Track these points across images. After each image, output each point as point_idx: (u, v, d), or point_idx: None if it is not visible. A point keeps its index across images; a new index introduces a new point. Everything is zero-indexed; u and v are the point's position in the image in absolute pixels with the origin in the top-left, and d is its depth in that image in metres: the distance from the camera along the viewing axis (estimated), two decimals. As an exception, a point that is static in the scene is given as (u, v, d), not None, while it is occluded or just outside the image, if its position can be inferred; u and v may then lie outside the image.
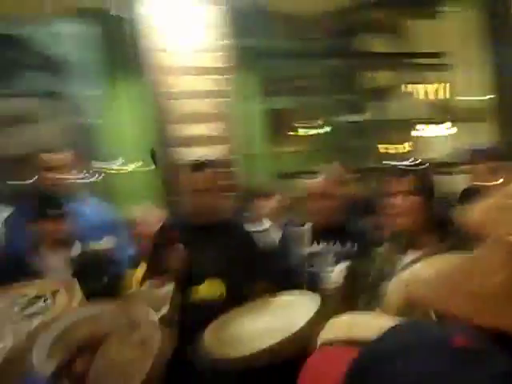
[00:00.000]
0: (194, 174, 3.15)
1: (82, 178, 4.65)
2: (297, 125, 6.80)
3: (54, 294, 2.42)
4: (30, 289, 2.51)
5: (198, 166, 3.17)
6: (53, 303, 2.36)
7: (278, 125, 6.70)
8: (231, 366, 2.63)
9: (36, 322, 2.29)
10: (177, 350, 2.57)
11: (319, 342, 2.45)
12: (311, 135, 6.80)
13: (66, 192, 3.39)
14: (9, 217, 3.62)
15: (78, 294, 2.44)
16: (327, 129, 6.93)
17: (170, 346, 1.92)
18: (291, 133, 6.78)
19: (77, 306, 2.36)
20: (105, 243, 3.32)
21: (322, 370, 2.23)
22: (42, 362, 1.82)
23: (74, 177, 3.84)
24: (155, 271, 3.17)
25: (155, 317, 1.96)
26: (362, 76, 7.00)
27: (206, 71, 4.88)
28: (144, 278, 3.21)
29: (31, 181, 3.78)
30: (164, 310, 2.55)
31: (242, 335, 2.72)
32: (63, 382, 1.77)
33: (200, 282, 3.02)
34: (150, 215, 3.85)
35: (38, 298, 2.43)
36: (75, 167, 3.88)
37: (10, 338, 2.19)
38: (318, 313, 2.69)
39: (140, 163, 5.65)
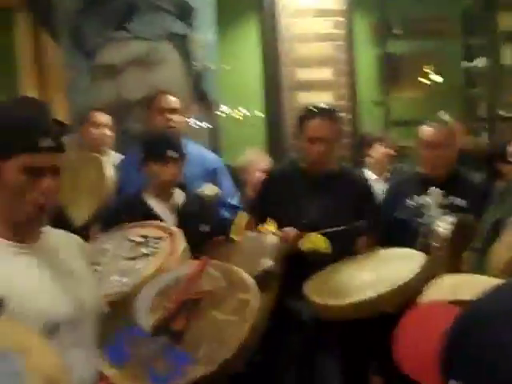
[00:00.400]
0: (308, 121, 3.08)
1: (194, 123, 4.72)
2: (416, 70, 6.54)
3: (160, 239, 2.47)
4: (138, 232, 2.58)
5: (312, 113, 3.09)
6: (157, 249, 2.42)
7: (396, 70, 6.48)
8: (333, 315, 2.64)
9: (140, 264, 2.37)
10: (279, 300, 2.60)
11: (423, 300, 2.41)
12: (430, 82, 6.53)
13: (178, 136, 3.42)
14: (123, 159, 3.72)
15: (182, 242, 2.48)
16: (450, 75, 6.62)
17: (269, 307, 1.91)
18: (409, 79, 6.54)
19: (179, 254, 2.40)
20: (211, 190, 3.33)
21: (423, 326, 2.20)
22: (144, 315, 1.87)
23: (186, 121, 3.88)
24: (259, 221, 3.18)
25: (254, 282, 1.95)
26: (497, 17, 6.57)
27: (323, 13, 4.78)
28: (248, 228, 3.22)
29: (147, 123, 3.84)
30: (268, 263, 2.55)
31: (345, 286, 2.71)
32: (161, 337, 1.80)
33: (305, 232, 2.99)
34: (257, 163, 3.86)
35: (144, 241, 2.50)
36: (189, 111, 3.92)
37: (114, 278, 2.28)
38: (423, 268, 2.63)
39: (252, 109, 5.66)
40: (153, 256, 2.39)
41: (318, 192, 3.07)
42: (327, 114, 3.09)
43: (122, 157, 3.79)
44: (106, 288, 2.13)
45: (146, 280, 2.13)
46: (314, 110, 3.09)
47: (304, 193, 3.08)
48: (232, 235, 3.17)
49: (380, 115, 6.18)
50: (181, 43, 5.03)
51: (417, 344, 2.16)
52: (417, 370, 2.10)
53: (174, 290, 1.94)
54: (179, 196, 3.04)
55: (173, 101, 3.74)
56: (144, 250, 2.43)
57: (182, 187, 3.08)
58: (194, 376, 1.66)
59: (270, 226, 2.95)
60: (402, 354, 2.16)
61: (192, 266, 2.10)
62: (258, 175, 3.75)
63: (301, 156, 3.18)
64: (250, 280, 1.93)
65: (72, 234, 2.00)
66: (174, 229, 2.61)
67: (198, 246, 2.62)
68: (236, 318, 1.77)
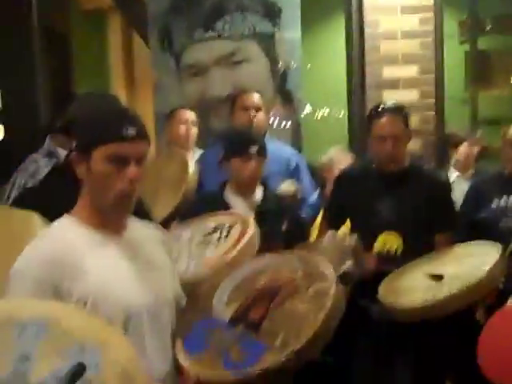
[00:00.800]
0: (376, 120, 3.04)
1: (275, 121, 4.76)
2: (506, 68, 6.35)
3: (231, 226, 2.52)
4: (212, 220, 2.65)
5: (379, 112, 3.05)
6: (228, 235, 2.48)
7: (482, 67, 6.30)
8: (407, 315, 2.61)
9: (210, 249, 2.45)
10: (351, 301, 2.59)
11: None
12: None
13: (260, 133, 3.46)
14: (204, 155, 3.80)
15: (252, 228, 2.51)
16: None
17: (345, 302, 1.91)
18: (498, 76, 6.35)
19: (247, 239, 2.44)
20: (289, 187, 3.35)
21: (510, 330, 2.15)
22: (222, 307, 1.91)
23: (267, 119, 3.92)
24: (332, 220, 3.15)
25: (333, 271, 1.95)
26: None
27: (410, 9, 4.71)
28: (324, 226, 3.22)
29: (230, 121, 3.91)
30: (347, 265, 2.55)
31: (418, 285, 2.67)
32: (239, 327, 1.84)
33: (379, 232, 2.96)
34: (339, 161, 3.84)
35: (216, 228, 2.56)
36: (270, 109, 3.96)
37: (184, 262, 2.35)
38: (498, 262, 2.57)
39: (336, 108, 5.62)
40: (223, 241, 2.45)
41: (390, 191, 3.03)
42: (395, 111, 3.04)
43: (204, 152, 3.87)
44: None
45: (212, 265, 2.19)
46: (382, 108, 3.06)
47: (376, 192, 3.04)
48: (308, 235, 3.17)
49: (467, 113, 6.03)
50: (266, 42, 5.07)
51: (503, 348, 2.12)
52: (502, 375, 2.06)
53: (251, 282, 1.97)
54: (259, 193, 3.07)
55: (256, 99, 3.80)
56: (216, 237, 2.50)
57: (263, 184, 3.11)
58: (267, 363, 1.68)
59: (345, 228, 2.94)
60: (487, 359, 2.12)
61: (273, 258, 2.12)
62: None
63: (372, 155, 3.16)
64: (328, 269, 1.93)
65: (155, 226, 2.07)
66: (247, 217, 2.66)
67: (277, 244, 2.64)
68: (313, 306, 1.78)
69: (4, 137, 4.99)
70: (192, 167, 3.36)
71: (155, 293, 1.83)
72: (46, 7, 4.79)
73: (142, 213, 2.38)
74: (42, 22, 4.70)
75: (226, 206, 2.97)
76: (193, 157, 3.74)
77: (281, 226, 2.91)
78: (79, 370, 1.36)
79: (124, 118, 1.77)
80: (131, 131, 1.73)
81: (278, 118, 4.81)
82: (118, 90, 6.27)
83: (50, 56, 5.15)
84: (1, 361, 1.38)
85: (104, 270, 1.74)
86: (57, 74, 5.56)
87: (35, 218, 2.18)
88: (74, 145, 1.82)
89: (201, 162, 3.63)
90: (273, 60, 5.07)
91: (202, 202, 3.07)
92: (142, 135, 1.77)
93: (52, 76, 5.17)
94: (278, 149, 3.70)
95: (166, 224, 2.84)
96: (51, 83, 5.06)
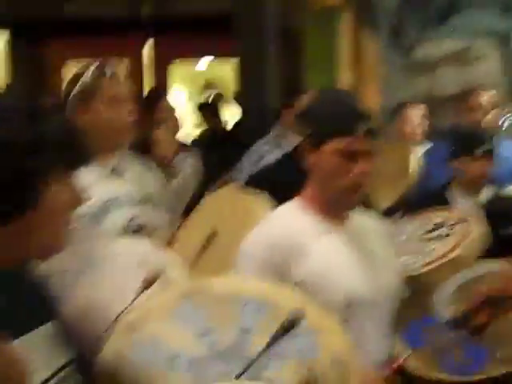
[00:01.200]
0: None
1: (507, 121, 4.53)
2: None
3: (458, 223, 2.44)
4: (438, 215, 2.59)
5: None
6: (451, 233, 2.40)
7: None
8: None
9: (433, 245, 2.39)
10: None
11: None
12: None
13: (489, 132, 3.35)
14: (429, 151, 3.74)
15: (478, 228, 2.42)
16: None
17: None
18: None
19: (474, 238, 2.35)
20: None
21: None
22: (444, 306, 1.86)
23: (499, 118, 3.79)
24: None
25: None
26: None
27: None
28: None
29: (459, 119, 3.83)
30: None
31: None
32: (460, 329, 1.78)
33: None
34: None
35: (439, 225, 2.49)
36: (502, 109, 3.82)
37: (406, 257, 2.31)
38: None
39: None
40: (446, 238, 2.39)
41: None
42: None
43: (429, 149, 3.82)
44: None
45: (438, 261, 2.12)
46: None
47: None
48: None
49: None
50: (501, 40, 4.87)
51: None
52: None
53: (476, 285, 1.89)
54: (488, 192, 2.99)
55: (488, 98, 3.71)
56: (438, 233, 2.44)
57: (491, 185, 3.01)
58: (491, 374, 1.61)
59: None
60: None
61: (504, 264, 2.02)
62: None
63: None
64: None
65: (376, 218, 2.06)
66: (472, 216, 2.58)
67: (502, 247, 2.52)
68: None
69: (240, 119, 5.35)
70: (416, 161, 3.33)
71: (377, 283, 1.82)
72: (282, 8, 5.03)
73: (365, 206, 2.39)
74: (278, 22, 4.94)
75: (449, 204, 2.92)
76: (418, 152, 3.70)
77: (508, 230, 2.78)
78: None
79: (359, 114, 1.78)
80: (364, 128, 1.74)
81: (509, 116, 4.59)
82: (345, 85, 6.35)
83: (284, 52, 5.39)
84: (226, 331, 1.45)
85: (327, 256, 1.77)
86: (288, 69, 5.78)
87: (263, 200, 2.26)
88: (307, 134, 1.86)
89: (426, 157, 3.58)
90: (508, 58, 4.86)
91: (425, 198, 3.04)
92: (373, 132, 1.77)
93: (284, 70, 5.40)
94: (509, 149, 3.54)
95: (386, 216, 2.83)
96: (283, 76, 5.29)
